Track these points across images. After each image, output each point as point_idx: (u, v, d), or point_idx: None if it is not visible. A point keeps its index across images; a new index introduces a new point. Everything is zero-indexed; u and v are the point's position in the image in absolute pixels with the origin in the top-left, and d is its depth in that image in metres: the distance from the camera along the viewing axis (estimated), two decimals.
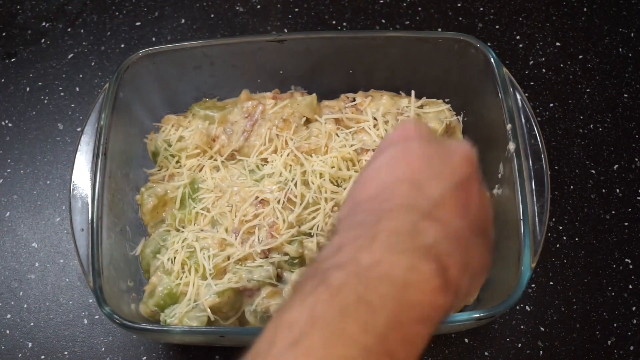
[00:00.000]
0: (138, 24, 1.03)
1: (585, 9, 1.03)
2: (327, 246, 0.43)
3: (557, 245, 0.84)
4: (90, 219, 0.69)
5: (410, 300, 0.38)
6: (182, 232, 0.77)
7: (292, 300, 0.39)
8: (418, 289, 0.39)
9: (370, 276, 0.38)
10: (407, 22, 1.02)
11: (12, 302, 0.82)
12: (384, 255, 0.39)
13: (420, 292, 0.39)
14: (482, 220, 0.47)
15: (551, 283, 0.82)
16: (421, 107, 0.85)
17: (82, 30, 1.03)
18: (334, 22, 1.02)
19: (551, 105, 0.95)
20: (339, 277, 0.39)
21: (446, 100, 0.86)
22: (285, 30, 1.02)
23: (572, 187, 0.88)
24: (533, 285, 0.81)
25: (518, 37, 1.00)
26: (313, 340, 0.36)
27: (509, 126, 0.73)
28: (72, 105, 0.96)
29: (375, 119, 0.82)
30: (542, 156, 0.72)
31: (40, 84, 0.98)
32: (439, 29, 1.01)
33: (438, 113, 0.85)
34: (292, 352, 0.36)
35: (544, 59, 0.98)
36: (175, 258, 0.74)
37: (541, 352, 0.77)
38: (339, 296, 0.38)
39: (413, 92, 0.85)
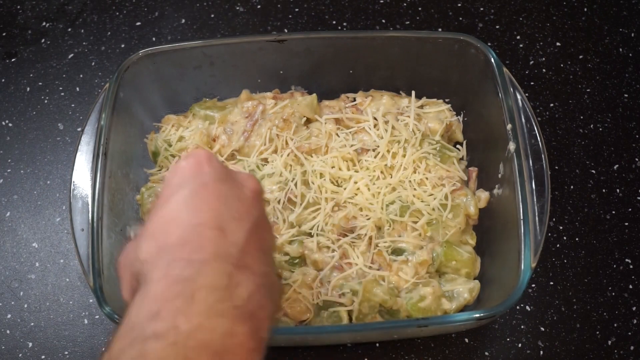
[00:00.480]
0: (138, 24, 1.03)
1: (585, 9, 1.03)
2: (141, 301, 0.41)
3: (557, 245, 0.84)
4: (90, 219, 0.69)
5: None
6: None
7: None
8: (235, 355, 0.40)
9: (189, 346, 0.38)
10: (407, 22, 1.02)
11: (13, 302, 0.82)
12: (203, 321, 0.39)
13: (237, 357, 0.40)
14: (271, 250, 0.50)
15: (551, 283, 0.82)
16: (421, 107, 0.85)
17: (82, 30, 1.03)
18: (334, 22, 1.02)
19: (551, 105, 0.95)
20: (157, 348, 0.38)
21: (446, 100, 0.86)
22: (285, 30, 1.02)
23: (572, 187, 0.88)
24: (533, 285, 0.81)
25: (518, 37, 1.00)
26: None
27: (509, 126, 0.73)
28: (73, 105, 0.96)
29: (375, 119, 0.82)
30: (542, 156, 0.72)
31: (40, 84, 0.98)
32: (439, 29, 1.01)
33: (438, 113, 0.85)
34: None
35: (544, 59, 0.98)
36: None
37: (541, 352, 0.77)
38: None
39: (413, 93, 0.85)
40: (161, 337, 0.38)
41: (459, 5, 1.04)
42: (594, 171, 0.89)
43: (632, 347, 0.78)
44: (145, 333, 0.39)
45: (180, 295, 0.40)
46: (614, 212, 0.86)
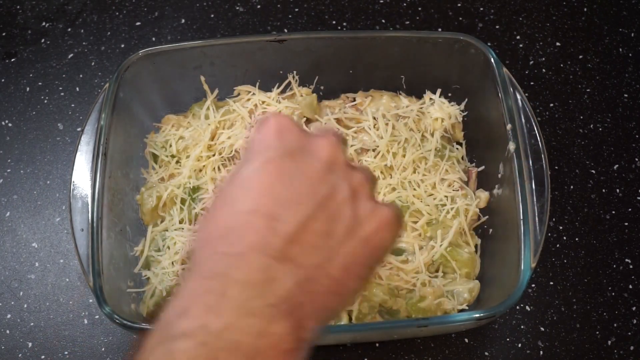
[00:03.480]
0: (138, 24, 1.03)
1: (585, 9, 1.03)
2: (174, 298, 0.39)
3: (557, 245, 0.84)
4: (90, 219, 0.69)
5: None
6: (182, 231, 0.77)
7: None
8: (267, 356, 0.37)
9: (218, 347, 0.36)
10: (407, 22, 1.02)
11: (12, 302, 0.82)
12: (234, 320, 0.37)
13: (269, 359, 0.37)
14: (352, 236, 0.43)
15: (551, 283, 0.82)
16: (421, 107, 0.85)
17: (82, 30, 1.03)
18: (334, 22, 1.02)
19: (551, 105, 0.95)
20: (185, 349, 0.36)
21: (446, 100, 0.86)
22: (285, 30, 1.02)
23: (572, 187, 0.88)
24: (533, 285, 0.81)
25: (518, 37, 1.00)
26: None
27: (509, 126, 0.73)
28: (72, 105, 0.96)
29: (375, 119, 0.82)
30: (542, 156, 0.72)
31: (40, 84, 0.98)
32: (439, 29, 1.01)
33: (438, 113, 0.85)
34: None
35: (544, 59, 0.98)
36: (175, 258, 0.74)
37: (541, 352, 0.77)
38: None
39: (414, 93, 0.85)
40: (190, 336, 0.37)
41: (459, 5, 1.04)
42: (594, 171, 0.89)
43: (632, 347, 0.78)
44: (174, 331, 0.37)
45: (212, 292, 0.38)
46: (614, 212, 0.86)
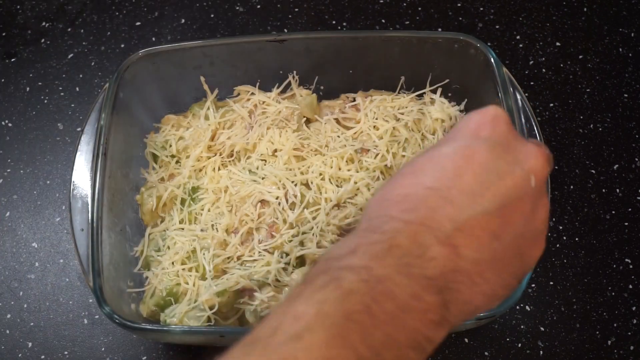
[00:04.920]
0: (138, 24, 1.03)
1: (585, 9, 1.03)
2: (343, 242, 0.43)
3: (557, 245, 0.84)
4: (90, 218, 0.69)
5: (409, 324, 0.39)
6: (182, 231, 0.77)
7: (301, 292, 0.39)
8: (417, 317, 0.39)
9: (378, 290, 0.39)
10: (407, 22, 1.02)
11: (12, 302, 0.82)
12: (394, 274, 0.39)
13: (418, 320, 0.39)
14: (515, 246, 0.44)
15: (551, 283, 0.82)
16: (421, 107, 0.85)
17: (82, 30, 1.03)
18: (334, 22, 1.02)
19: (551, 105, 0.95)
20: (351, 279, 0.39)
21: (446, 100, 0.86)
22: (285, 30, 1.02)
23: (572, 187, 0.88)
24: (533, 285, 0.81)
25: (518, 37, 1.00)
26: (316, 337, 0.36)
27: None
28: (72, 105, 0.96)
29: (375, 119, 0.82)
30: None
31: (40, 84, 0.98)
32: (439, 29, 1.01)
33: (438, 113, 0.85)
34: (293, 344, 0.36)
35: (544, 58, 0.98)
36: (175, 258, 0.74)
37: (541, 352, 0.77)
38: (347, 300, 0.38)
39: (413, 93, 0.85)
40: (354, 271, 0.39)
41: (459, 5, 1.04)
42: (593, 171, 0.89)
43: (631, 347, 0.78)
44: (341, 264, 0.40)
45: (378, 243, 0.41)
46: (613, 212, 0.86)
